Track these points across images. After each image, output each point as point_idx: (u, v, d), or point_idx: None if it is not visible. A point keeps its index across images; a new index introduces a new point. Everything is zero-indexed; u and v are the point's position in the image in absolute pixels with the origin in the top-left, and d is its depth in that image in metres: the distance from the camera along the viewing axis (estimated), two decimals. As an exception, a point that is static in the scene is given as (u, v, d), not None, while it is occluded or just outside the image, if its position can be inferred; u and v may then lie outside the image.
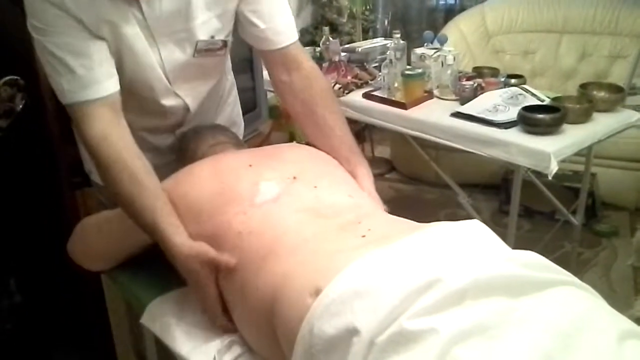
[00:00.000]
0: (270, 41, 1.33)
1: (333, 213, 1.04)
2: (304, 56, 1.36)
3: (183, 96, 1.35)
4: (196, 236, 1.08)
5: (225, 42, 1.34)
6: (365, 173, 1.27)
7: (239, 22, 1.33)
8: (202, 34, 1.28)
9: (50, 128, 1.58)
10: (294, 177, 1.13)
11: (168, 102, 1.34)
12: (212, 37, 1.30)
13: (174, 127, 1.44)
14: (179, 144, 1.43)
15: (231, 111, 1.65)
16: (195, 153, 1.33)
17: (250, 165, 1.17)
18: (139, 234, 1.18)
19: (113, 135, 1.15)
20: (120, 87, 1.20)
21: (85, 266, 1.35)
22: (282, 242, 0.98)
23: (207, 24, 1.27)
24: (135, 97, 1.28)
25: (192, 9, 1.23)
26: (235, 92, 1.66)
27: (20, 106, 1.56)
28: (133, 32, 1.19)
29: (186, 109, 1.38)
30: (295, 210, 1.04)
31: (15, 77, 1.53)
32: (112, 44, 1.18)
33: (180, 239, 1.07)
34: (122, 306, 1.52)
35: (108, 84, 1.17)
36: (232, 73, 1.63)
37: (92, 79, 1.14)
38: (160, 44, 1.24)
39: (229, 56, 1.49)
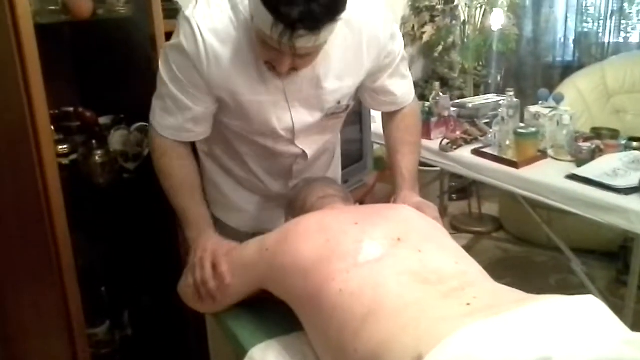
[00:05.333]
0: (391, 105, 1.53)
1: (437, 279, 1.02)
2: (411, 104, 1.55)
3: (301, 146, 1.46)
4: (299, 292, 1.11)
5: (348, 106, 1.45)
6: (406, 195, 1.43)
7: (362, 88, 1.46)
8: (331, 100, 1.38)
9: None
10: (399, 239, 1.13)
11: (288, 150, 1.46)
12: (339, 102, 1.40)
13: (287, 171, 1.54)
14: (291, 193, 1.48)
15: (335, 167, 1.74)
16: (305, 203, 1.38)
17: (356, 223, 1.18)
18: (248, 285, 1.21)
19: (174, 155, 1.39)
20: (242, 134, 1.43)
21: (193, 308, 1.40)
22: (384, 304, 0.96)
23: (336, 92, 1.37)
24: (256, 143, 1.44)
25: (324, 78, 1.33)
26: (339, 150, 1.75)
27: (148, 150, 1.68)
28: (272, 99, 1.33)
29: (304, 156, 1.49)
30: (397, 272, 1.03)
31: (145, 124, 1.66)
32: (233, 104, 1.33)
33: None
34: (225, 348, 1.56)
35: (188, 135, 1.39)
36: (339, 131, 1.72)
37: (180, 127, 1.37)
38: (293, 107, 1.36)
39: None
